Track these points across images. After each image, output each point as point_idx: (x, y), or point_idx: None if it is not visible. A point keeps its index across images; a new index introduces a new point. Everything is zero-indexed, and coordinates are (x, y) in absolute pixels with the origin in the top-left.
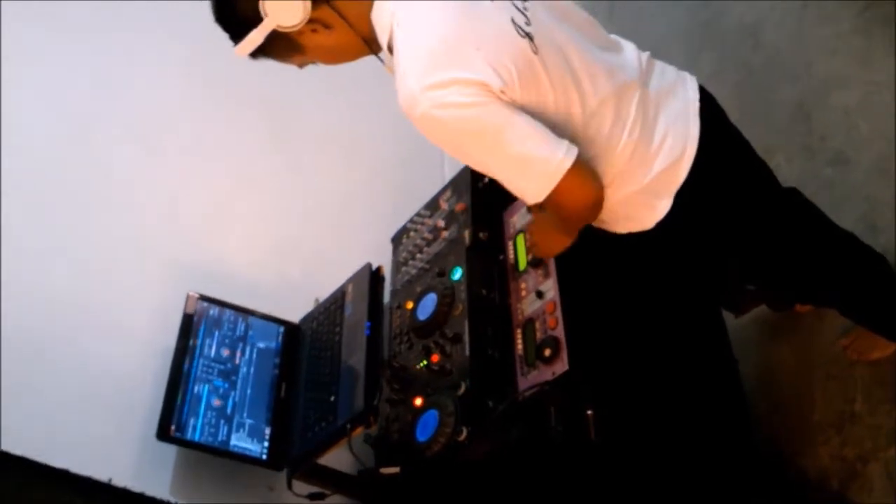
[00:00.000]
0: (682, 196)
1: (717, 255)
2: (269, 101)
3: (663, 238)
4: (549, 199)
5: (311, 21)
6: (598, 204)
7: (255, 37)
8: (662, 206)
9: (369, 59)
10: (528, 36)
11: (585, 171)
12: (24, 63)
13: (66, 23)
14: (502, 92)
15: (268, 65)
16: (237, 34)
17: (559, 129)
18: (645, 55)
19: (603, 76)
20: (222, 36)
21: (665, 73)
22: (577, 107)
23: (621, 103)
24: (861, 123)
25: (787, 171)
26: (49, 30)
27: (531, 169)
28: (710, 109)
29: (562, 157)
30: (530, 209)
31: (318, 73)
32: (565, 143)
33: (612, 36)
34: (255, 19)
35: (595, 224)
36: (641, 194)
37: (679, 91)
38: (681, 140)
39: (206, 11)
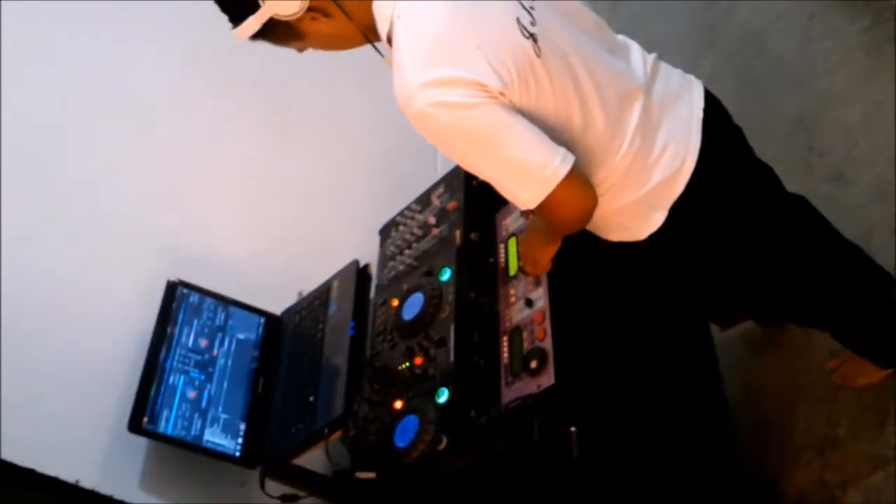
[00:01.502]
0: (677, 209)
1: (711, 267)
2: (259, 88)
3: (655, 249)
4: (542, 206)
5: (310, 9)
6: (590, 213)
7: (252, 23)
8: (657, 218)
9: (360, 51)
10: (532, 37)
11: (581, 180)
12: (12, 42)
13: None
14: (501, 94)
15: (260, 54)
16: (236, 17)
17: (557, 134)
18: (651, 58)
19: (607, 81)
20: (217, 21)
21: (671, 77)
22: (577, 112)
23: (624, 110)
24: (861, 142)
25: (784, 185)
26: (45, 10)
27: (525, 175)
28: (714, 117)
29: (558, 164)
30: (523, 214)
31: (309, 62)
32: (562, 150)
33: (620, 37)
34: (254, 4)
35: (588, 228)
36: (637, 205)
37: (684, 97)
38: (681, 151)
39: None
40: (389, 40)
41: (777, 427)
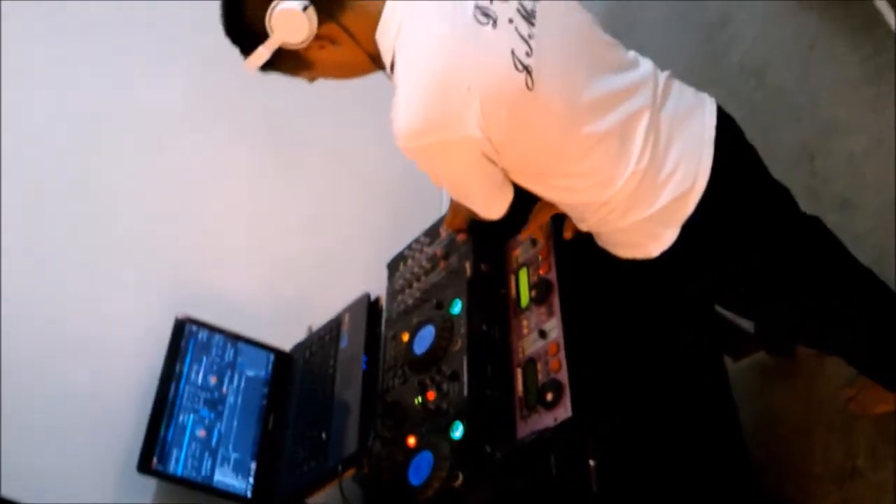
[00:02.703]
0: (689, 228)
1: (722, 286)
2: (266, 122)
3: (667, 267)
4: None
5: (317, 37)
6: None
7: (262, 52)
8: (668, 237)
9: (368, 84)
10: (527, 69)
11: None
12: (26, 72)
13: (69, 33)
14: (487, 140)
15: (267, 89)
16: (246, 48)
17: (558, 160)
18: (664, 76)
19: (611, 105)
20: (226, 57)
21: (683, 95)
22: (580, 137)
23: (628, 132)
24: (866, 170)
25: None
26: (53, 39)
27: (478, 207)
28: (726, 136)
29: (501, 211)
30: (534, 243)
31: (315, 97)
32: (505, 196)
33: (632, 53)
34: (263, 34)
35: (600, 244)
36: (647, 223)
37: (696, 116)
38: (692, 170)
39: (213, 32)
40: (393, 68)
41: (794, 459)
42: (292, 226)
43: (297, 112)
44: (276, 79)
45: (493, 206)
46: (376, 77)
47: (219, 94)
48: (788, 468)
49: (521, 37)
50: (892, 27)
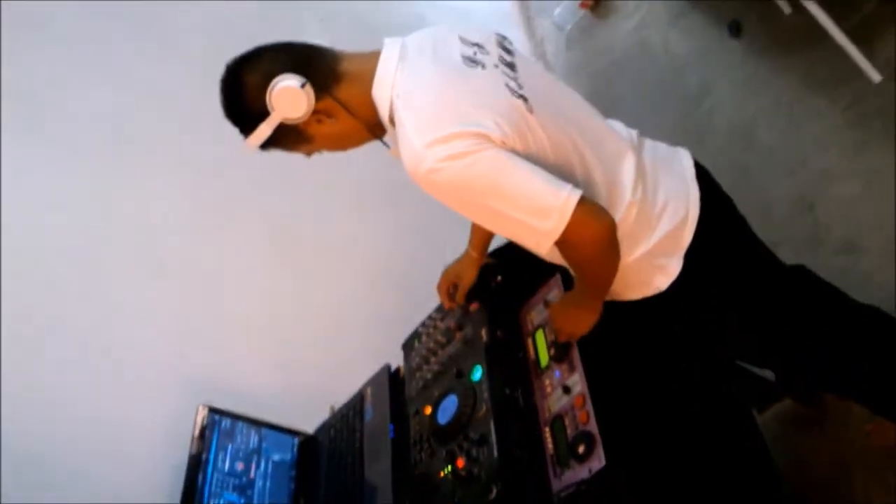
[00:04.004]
0: (691, 256)
1: (733, 322)
2: (270, 211)
3: (679, 300)
4: (565, 237)
5: (315, 112)
6: (612, 240)
7: (264, 129)
8: (674, 267)
9: (369, 167)
10: (523, 98)
11: (594, 204)
12: (29, 183)
13: (68, 145)
14: (503, 143)
15: (269, 176)
16: (247, 128)
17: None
18: (634, 132)
19: (599, 138)
20: (224, 152)
21: (657, 146)
22: (577, 164)
23: (619, 167)
24: (865, 211)
25: (796, 263)
26: (52, 150)
27: (542, 205)
28: (706, 178)
29: (568, 192)
30: (546, 304)
31: (317, 182)
32: (568, 183)
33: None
34: (263, 113)
35: (610, 296)
36: (650, 256)
37: (674, 160)
38: (683, 203)
39: (206, 127)
40: (392, 121)
41: (835, 502)
42: (305, 314)
43: (298, 201)
44: (273, 173)
45: (557, 187)
46: (375, 164)
47: (218, 190)
48: None
49: (509, 76)
50: (871, 76)
